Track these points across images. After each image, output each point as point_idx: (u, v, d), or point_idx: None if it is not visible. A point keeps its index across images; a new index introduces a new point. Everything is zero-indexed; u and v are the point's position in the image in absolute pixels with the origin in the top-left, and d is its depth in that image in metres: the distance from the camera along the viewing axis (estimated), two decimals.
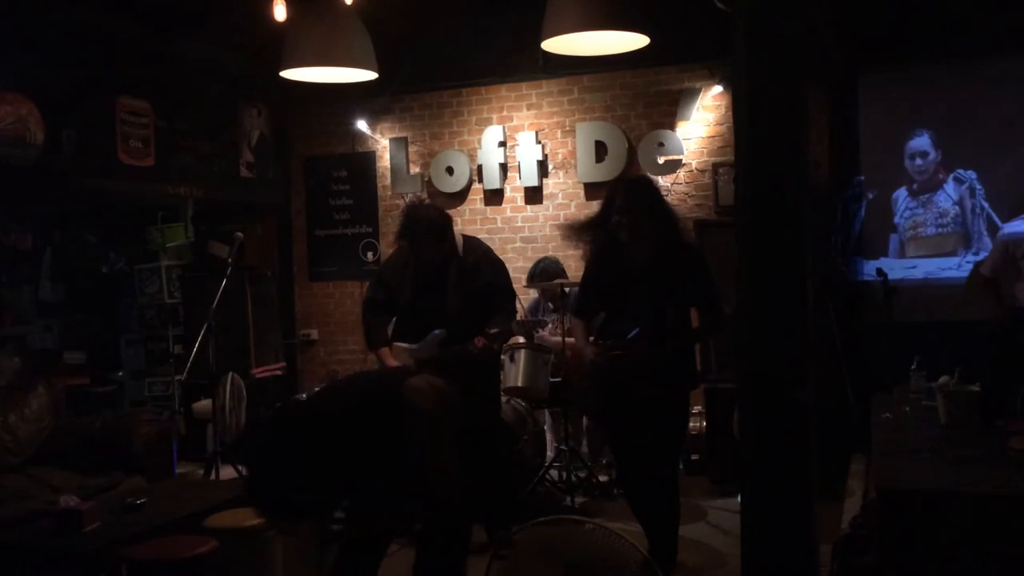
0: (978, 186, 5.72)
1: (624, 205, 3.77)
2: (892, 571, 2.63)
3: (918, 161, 5.89)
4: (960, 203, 5.79)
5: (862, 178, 5.86)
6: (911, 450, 3.17)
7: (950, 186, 5.82)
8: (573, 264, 6.27)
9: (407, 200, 6.79)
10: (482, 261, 4.50)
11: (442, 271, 4.42)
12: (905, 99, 5.84)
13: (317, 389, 4.18)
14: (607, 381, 3.86)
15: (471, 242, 4.57)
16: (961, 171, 5.78)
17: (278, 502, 2.86)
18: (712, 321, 3.88)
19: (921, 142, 5.88)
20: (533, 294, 5.92)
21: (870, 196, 5.80)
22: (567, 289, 5.50)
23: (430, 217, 4.36)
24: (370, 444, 2.76)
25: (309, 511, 3.09)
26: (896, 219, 5.89)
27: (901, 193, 5.93)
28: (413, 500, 2.89)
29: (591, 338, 3.97)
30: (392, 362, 4.41)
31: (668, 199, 4.72)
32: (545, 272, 5.71)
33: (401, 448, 2.74)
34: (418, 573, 3.05)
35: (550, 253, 6.28)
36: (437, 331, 4.35)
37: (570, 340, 5.02)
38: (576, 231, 4.12)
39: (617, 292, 3.88)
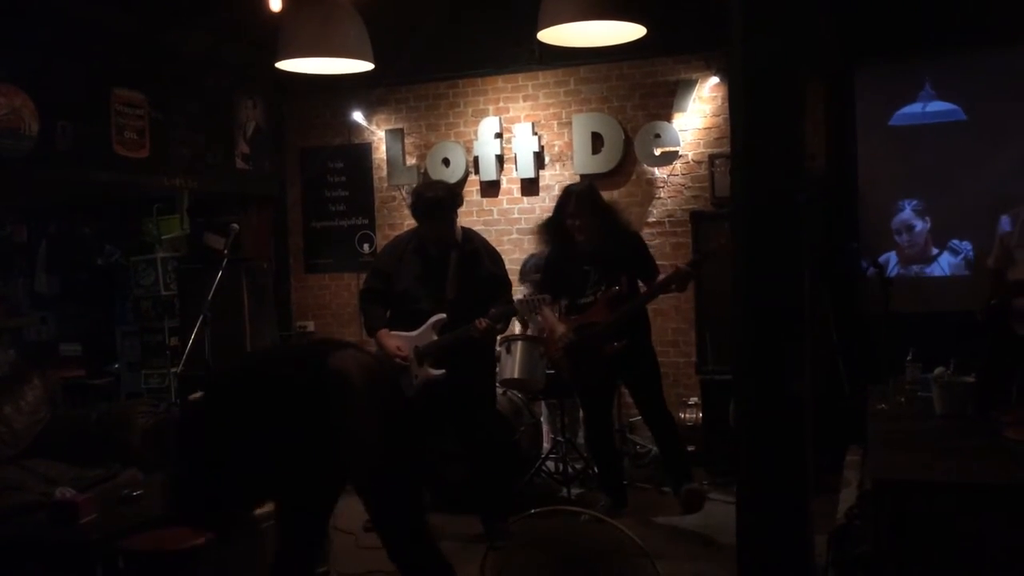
0: (972, 255, 5.66)
1: (575, 210, 4.67)
2: (887, 561, 2.64)
3: (904, 236, 5.83)
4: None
5: (856, 244, 5.75)
6: (906, 441, 3.18)
7: (944, 259, 5.75)
8: None
9: (404, 191, 6.79)
10: (481, 250, 4.55)
11: (441, 259, 4.44)
12: (903, 91, 5.83)
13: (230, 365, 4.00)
14: (580, 346, 4.67)
15: (469, 233, 4.67)
16: (956, 242, 5.71)
17: (208, 503, 2.79)
18: (653, 285, 4.72)
19: (905, 216, 5.79)
20: (523, 289, 5.89)
21: (865, 266, 5.52)
22: None
23: (442, 189, 4.63)
24: (295, 419, 2.71)
25: (237, 508, 3.00)
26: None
27: (891, 258, 5.85)
28: (340, 474, 2.86)
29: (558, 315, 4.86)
30: (392, 343, 4.42)
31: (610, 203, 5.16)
32: (537, 268, 5.71)
33: (327, 422, 2.70)
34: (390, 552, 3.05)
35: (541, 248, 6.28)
36: (435, 316, 4.37)
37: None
38: (540, 232, 5.02)
39: (575, 276, 4.74)
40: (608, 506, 4.76)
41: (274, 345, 4.80)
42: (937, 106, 5.72)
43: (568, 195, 4.78)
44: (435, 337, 4.39)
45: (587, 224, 4.67)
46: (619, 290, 4.63)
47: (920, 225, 5.79)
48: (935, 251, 5.78)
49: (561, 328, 4.73)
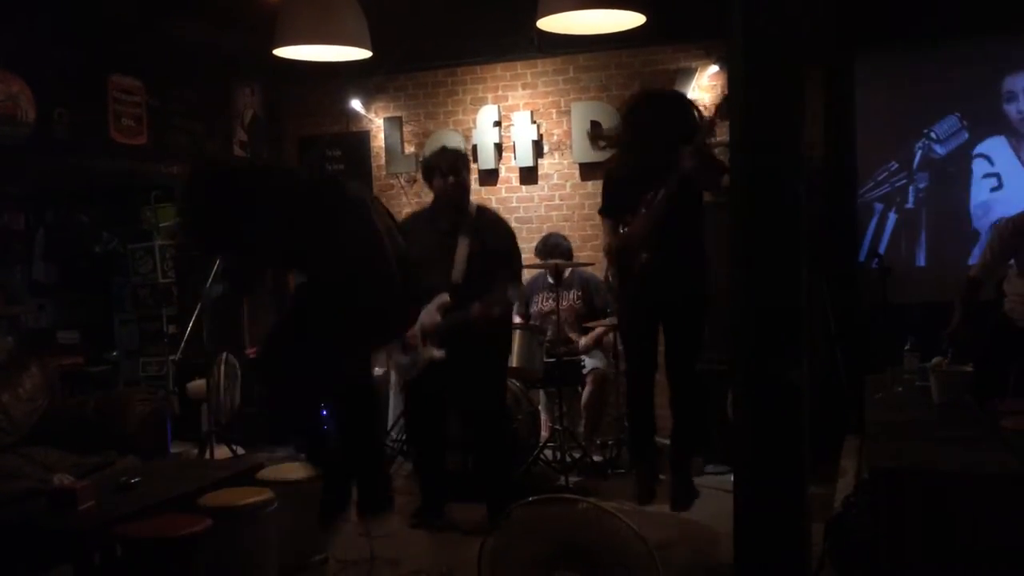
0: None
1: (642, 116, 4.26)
2: (885, 550, 2.65)
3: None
4: None
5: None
6: (904, 430, 3.18)
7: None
8: (578, 241, 6.26)
9: (402, 179, 6.78)
10: (494, 220, 4.52)
11: (452, 233, 4.39)
12: (903, 81, 5.82)
13: None
14: (620, 260, 4.34)
15: (483, 208, 4.61)
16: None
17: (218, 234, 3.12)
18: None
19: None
20: (529, 273, 5.89)
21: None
22: (566, 272, 5.52)
23: (453, 149, 4.54)
24: (311, 213, 3.06)
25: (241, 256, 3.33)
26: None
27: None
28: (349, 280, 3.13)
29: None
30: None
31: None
32: (557, 248, 5.70)
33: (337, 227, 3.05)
34: None
35: (554, 231, 6.27)
36: (440, 298, 4.30)
37: None
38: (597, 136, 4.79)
39: (638, 194, 4.25)
40: (640, 484, 4.49)
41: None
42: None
43: (636, 99, 4.44)
44: (439, 318, 4.35)
45: (651, 130, 4.22)
46: (654, 196, 4.16)
47: None
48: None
49: (606, 241, 4.51)
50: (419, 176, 6.66)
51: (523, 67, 6.52)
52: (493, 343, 4.49)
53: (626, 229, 4.37)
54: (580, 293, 5.68)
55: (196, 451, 5.52)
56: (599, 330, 5.57)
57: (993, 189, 5.63)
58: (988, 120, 5.62)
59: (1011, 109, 5.57)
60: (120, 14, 5.56)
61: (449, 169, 4.39)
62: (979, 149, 5.66)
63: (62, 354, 6.70)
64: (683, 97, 4.66)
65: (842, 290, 5.55)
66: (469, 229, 4.40)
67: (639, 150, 4.32)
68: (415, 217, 4.63)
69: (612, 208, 4.49)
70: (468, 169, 4.53)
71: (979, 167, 5.67)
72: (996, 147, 5.62)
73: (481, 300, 4.26)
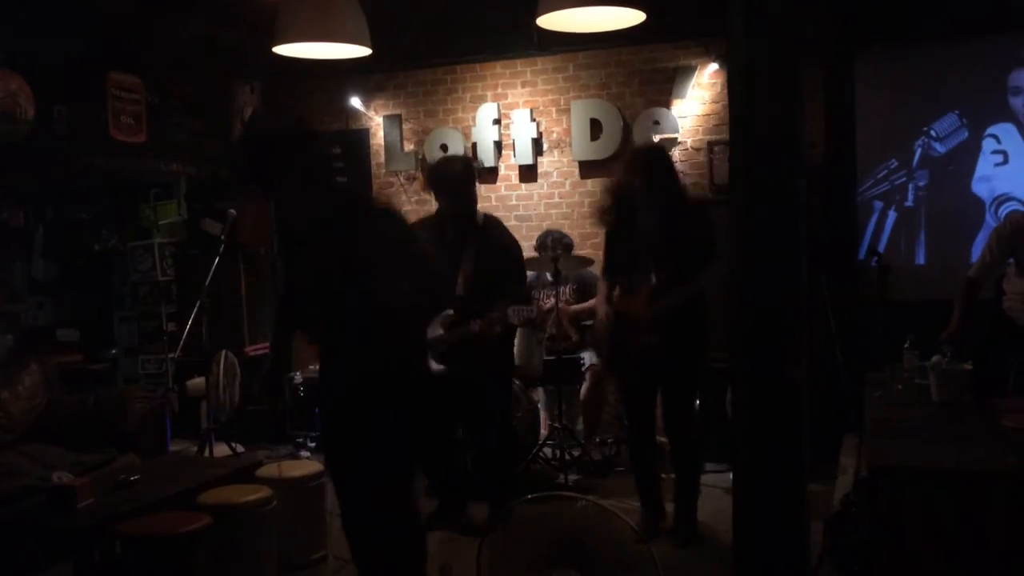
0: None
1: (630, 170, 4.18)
2: (884, 548, 2.65)
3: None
4: None
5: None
6: (903, 428, 3.18)
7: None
8: (577, 239, 6.26)
9: (401, 177, 6.78)
10: (500, 233, 4.47)
11: (457, 244, 4.34)
12: (903, 80, 5.82)
13: None
14: (615, 338, 4.23)
15: (490, 220, 4.55)
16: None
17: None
18: (705, 271, 4.04)
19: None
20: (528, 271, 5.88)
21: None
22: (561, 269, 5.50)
23: (459, 162, 4.48)
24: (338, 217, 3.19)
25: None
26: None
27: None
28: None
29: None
30: None
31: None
32: (558, 242, 5.69)
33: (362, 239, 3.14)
34: None
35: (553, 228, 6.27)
36: (445, 312, 4.26)
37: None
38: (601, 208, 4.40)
39: (632, 254, 4.21)
40: (645, 521, 4.28)
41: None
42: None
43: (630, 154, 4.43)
44: (441, 331, 4.33)
45: (643, 188, 4.12)
46: (656, 283, 4.08)
47: None
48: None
49: (602, 311, 4.31)
50: (419, 174, 6.69)
51: (523, 65, 6.51)
52: (494, 361, 4.42)
53: (625, 299, 4.25)
54: (576, 287, 5.68)
55: (195, 449, 5.52)
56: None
57: (997, 164, 5.62)
58: (993, 114, 5.61)
59: (1017, 103, 5.58)
60: (119, 11, 5.55)
61: (458, 185, 4.33)
62: (990, 131, 5.65)
63: (61, 352, 6.72)
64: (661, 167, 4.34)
65: (841, 288, 5.55)
66: (475, 243, 4.35)
67: (635, 227, 4.22)
68: (422, 226, 4.47)
69: (614, 272, 4.36)
70: (475, 181, 4.45)
71: (988, 145, 5.67)
72: (1005, 131, 5.63)
73: (483, 318, 4.20)
